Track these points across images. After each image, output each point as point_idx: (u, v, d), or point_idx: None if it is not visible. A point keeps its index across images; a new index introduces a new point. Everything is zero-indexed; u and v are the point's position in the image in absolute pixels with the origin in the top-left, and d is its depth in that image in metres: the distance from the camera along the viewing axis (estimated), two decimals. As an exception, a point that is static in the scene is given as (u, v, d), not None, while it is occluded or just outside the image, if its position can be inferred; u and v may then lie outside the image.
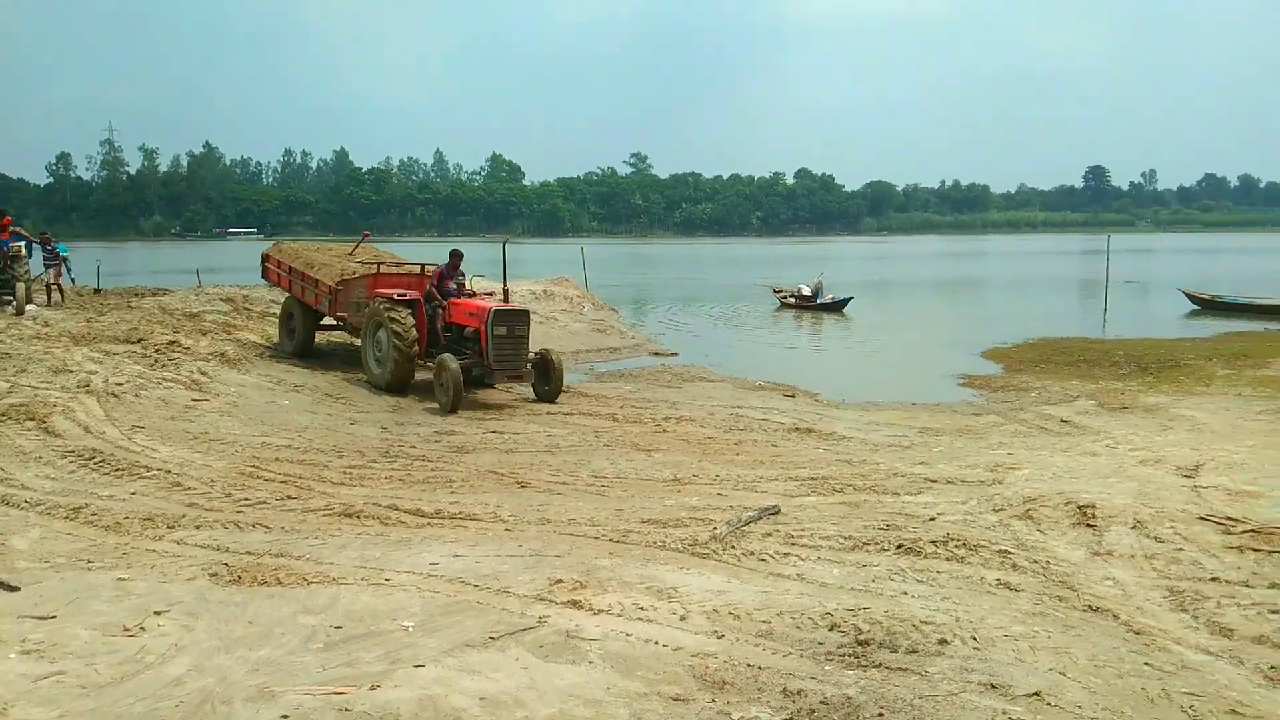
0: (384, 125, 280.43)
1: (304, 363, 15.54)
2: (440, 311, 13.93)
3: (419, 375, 14.05)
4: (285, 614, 5.39)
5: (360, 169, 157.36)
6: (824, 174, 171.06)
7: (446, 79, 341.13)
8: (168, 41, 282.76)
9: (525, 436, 11.14)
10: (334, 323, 16.27)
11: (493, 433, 11.37)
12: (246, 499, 8.12)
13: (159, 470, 8.90)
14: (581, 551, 6.56)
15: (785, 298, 32.54)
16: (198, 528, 7.29)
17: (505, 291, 14.84)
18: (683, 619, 5.25)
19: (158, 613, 5.42)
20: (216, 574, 6.11)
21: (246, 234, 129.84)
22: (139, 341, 14.44)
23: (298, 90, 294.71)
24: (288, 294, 16.85)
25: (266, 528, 7.28)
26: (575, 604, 5.46)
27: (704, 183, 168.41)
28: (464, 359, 13.01)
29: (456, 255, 14.57)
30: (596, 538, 6.96)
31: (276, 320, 17.60)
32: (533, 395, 13.98)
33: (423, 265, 15.75)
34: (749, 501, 7.96)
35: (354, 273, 15.41)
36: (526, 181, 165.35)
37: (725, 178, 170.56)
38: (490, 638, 4.97)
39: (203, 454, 9.66)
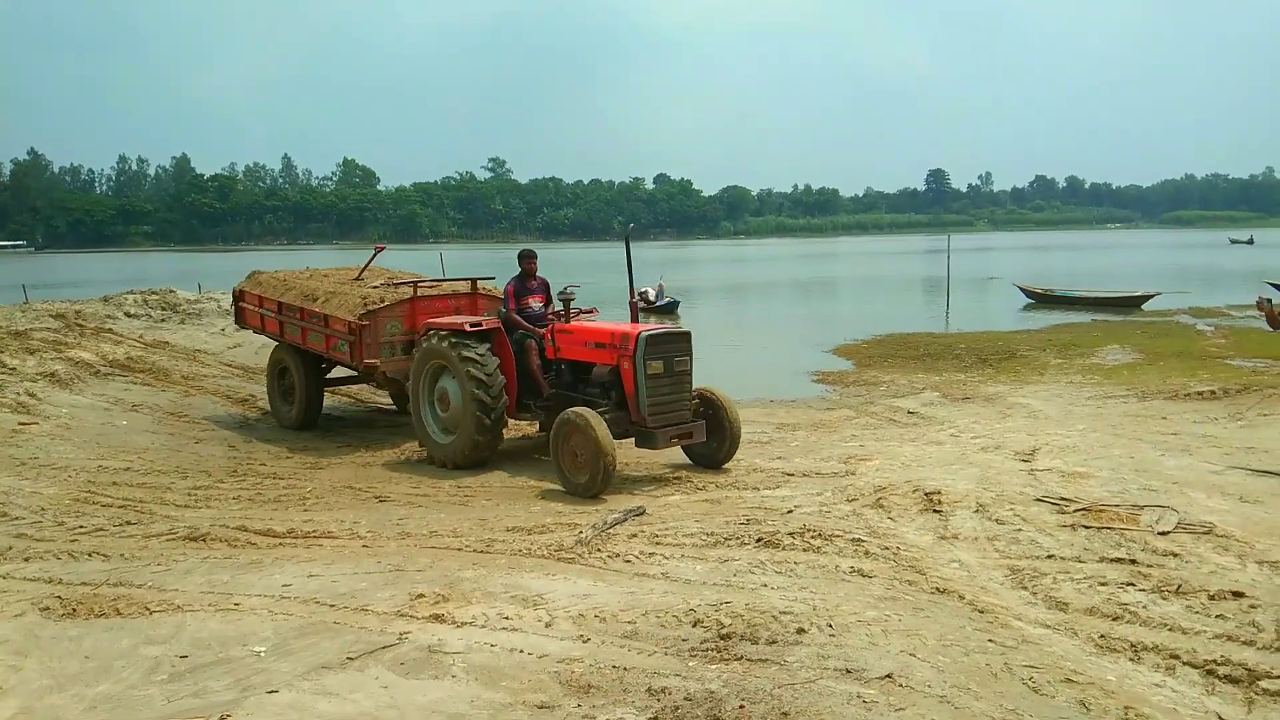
0: (227, 131, 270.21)
1: (142, 378, 14.51)
2: (531, 344, 9.80)
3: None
4: (126, 646, 5.09)
5: (203, 176, 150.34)
6: (682, 179, 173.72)
7: (293, 82, 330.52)
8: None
9: (384, 448, 10.87)
10: (350, 374, 12.27)
11: (348, 445, 11.05)
12: (81, 526, 7.64)
13: (-19, 500, 8.26)
14: (444, 564, 6.44)
15: (635, 301, 32.91)
16: (26, 560, 6.80)
17: (633, 306, 10.20)
18: (548, 626, 5.22)
19: (-20, 654, 5.03)
20: (48, 608, 5.71)
21: (15, 248, 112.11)
22: (-44, 363, 13.38)
23: (132, 95, 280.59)
24: (278, 342, 12.63)
25: (104, 556, 6.86)
26: (438, 618, 5.35)
27: (565, 188, 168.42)
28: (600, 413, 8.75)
29: (530, 259, 10.29)
30: (460, 549, 6.85)
31: (264, 378, 13.30)
32: (664, 452, 9.44)
33: (474, 280, 11.78)
34: (615, 503, 7.99)
35: (381, 300, 11.00)
36: (381, 187, 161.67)
37: (586, 183, 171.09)
38: (348, 658, 4.82)
39: (31, 480, 9.03)
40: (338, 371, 12.46)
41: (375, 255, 13.05)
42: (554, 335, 9.59)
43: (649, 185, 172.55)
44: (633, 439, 8.98)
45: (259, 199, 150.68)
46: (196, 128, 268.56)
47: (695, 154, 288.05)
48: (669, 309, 30.96)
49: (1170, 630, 5.08)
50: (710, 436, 9.24)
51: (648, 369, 8.74)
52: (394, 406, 13.39)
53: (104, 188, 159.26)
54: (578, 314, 10.01)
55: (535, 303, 10.20)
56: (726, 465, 9.37)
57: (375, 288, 11.61)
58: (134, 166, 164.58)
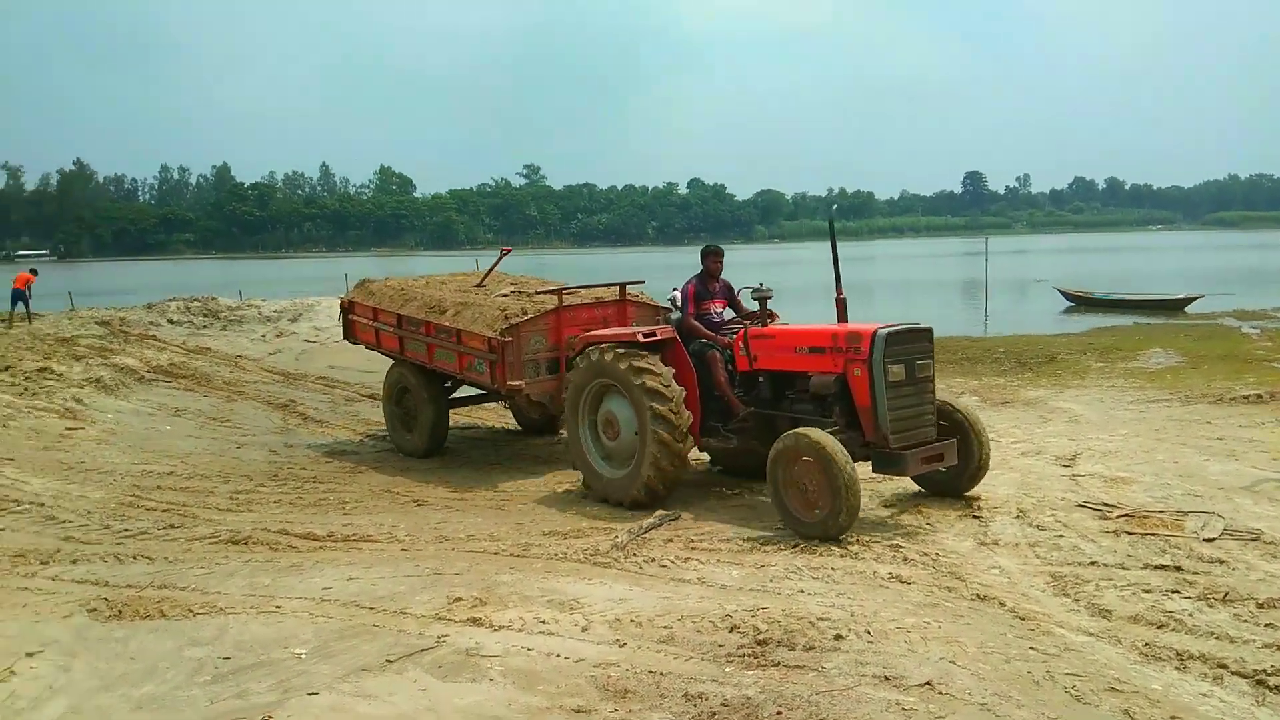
0: (267, 139, 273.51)
1: (185, 384, 14.76)
2: (716, 356, 8.26)
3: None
4: (170, 648, 5.17)
5: (243, 184, 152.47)
6: (716, 184, 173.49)
7: (330, 91, 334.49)
8: (31, 56, 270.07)
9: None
10: (478, 392, 11.00)
11: (387, 450, 11.15)
12: (127, 530, 7.77)
13: (31, 504, 8.44)
14: (481, 568, 6.48)
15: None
16: (74, 562, 6.94)
17: (840, 304, 7.84)
18: (584, 630, 5.23)
19: (30, 654, 5.13)
20: (95, 610, 5.82)
21: (38, 256, 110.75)
22: (6, 369, 13.71)
23: (174, 105, 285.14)
24: (396, 360, 11.17)
25: (149, 559, 6.97)
26: (475, 621, 5.38)
27: (599, 193, 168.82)
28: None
29: (715, 257, 8.78)
30: (497, 553, 6.89)
31: (380, 400, 11.78)
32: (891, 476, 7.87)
33: (622, 285, 10.27)
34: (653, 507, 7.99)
35: (523, 312, 9.57)
36: (418, 194, 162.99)
37: (620, 188, 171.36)
38: (387, 660, 4.87)
39: (79, 485, 9.21)
40: (463, 396, 11.42)
41: (501, 258, 11.82)
42: (748, 342, 8.01)
43: (682, 190, 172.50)
44: (870, 464, 7.34)
45: (298, 207, 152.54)
46: (236, 137, 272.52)
47: (729, 158, 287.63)
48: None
49: (1217, 639, 4.99)
50: (959, 455, 7.53)
51: (888, 375, 7.10)
52: (518, 427, 12.26)
53: (146, 196, 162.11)
54: (772, 317, 8.40)
55: (716, 308, 8.71)
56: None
57: (505, 296, 10.41)
58: (176, 176, 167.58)
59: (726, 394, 8.17)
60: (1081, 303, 31.52)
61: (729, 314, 8.86)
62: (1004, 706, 4.18)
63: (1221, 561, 6.05)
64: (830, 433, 7.03)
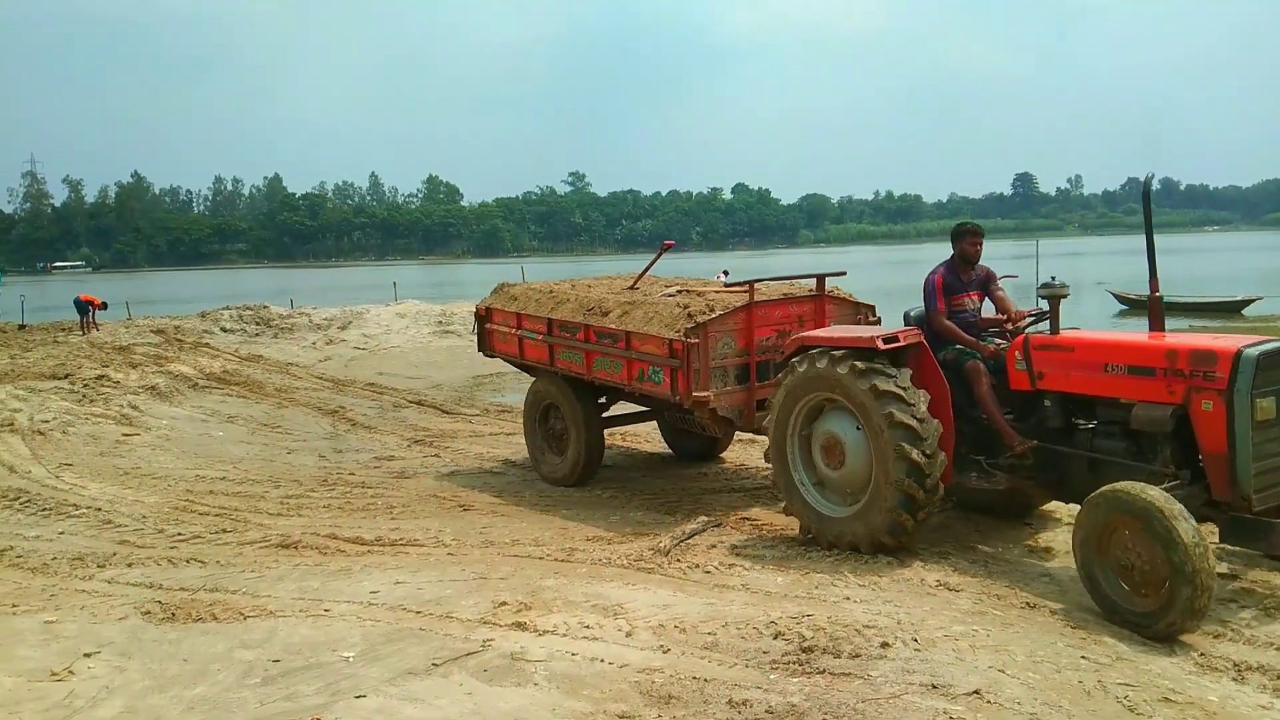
0: (317, 150, 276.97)
1: (237, 391, 15.03)
2: (980, 368, 6.52)
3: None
4: (221, 650, 5.26)
5: (294, 194, 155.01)
6: (760, 188, 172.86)
7: (379, 101, 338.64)
8: (90, 70, 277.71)
9: (467, 459, 11.03)
10: (634, 409, 9.71)
11: (433, 456, 11.25)
12: (180, 534, 7.92)
13: (88, 508, 8.64)
14: (526, 572, 6.51)
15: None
16: (129, 566, 7.09)
17: (1155, 303, 6.31)
18: (629, 635, 5.23)
19: (88, 655, 5.25)
20: (149, 612, 5.94)
21: (74, 269, 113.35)
22: (66, 377, 14.10)
23: (226, 117, 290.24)
24: (542, 373, 9.70)
25: (201, 562, 7.10)
26: (520, 626, 5.40)
27: (643, 200, 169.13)
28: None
29: (973, 238, 7.08)
30: (541, 558, 6.92)
31: (524, 419, 10.08)
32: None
33: (820, 277, 8.61)
34: (693, 514, 7.98)
35: (710, 310, 8.00)
36: (465, 202, 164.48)
37: (664, 194, 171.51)
38: (433, 664, 4.90)
39: (134, 490, 9.41)
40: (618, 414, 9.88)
41: (661, 253, 10.43)
42: (1029, 353, 6.26)
43: (727, 195, 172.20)
44: (1216, 529, 5.63)
45: (348, 216, 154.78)
46: (288, 148, 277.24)
47: (773, 162, 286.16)
48: None
49: (1276, 650, 4.86)
50: None
51: (1255, 411, 5.30)
52: (670, 452, 10.67)
53: (201, 208, 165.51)
54: (1038, 317, 6.74)
55: (971, 303, 7.00)
56: None
57: (671, 295, 8.99)
58: (229, 187, 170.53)
59: (996, 421, 6.39)
60: (1135, 306, 30.90)
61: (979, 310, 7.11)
62: (1054, 716, 4.11)
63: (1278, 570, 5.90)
64: (1167, 489, 5.26)
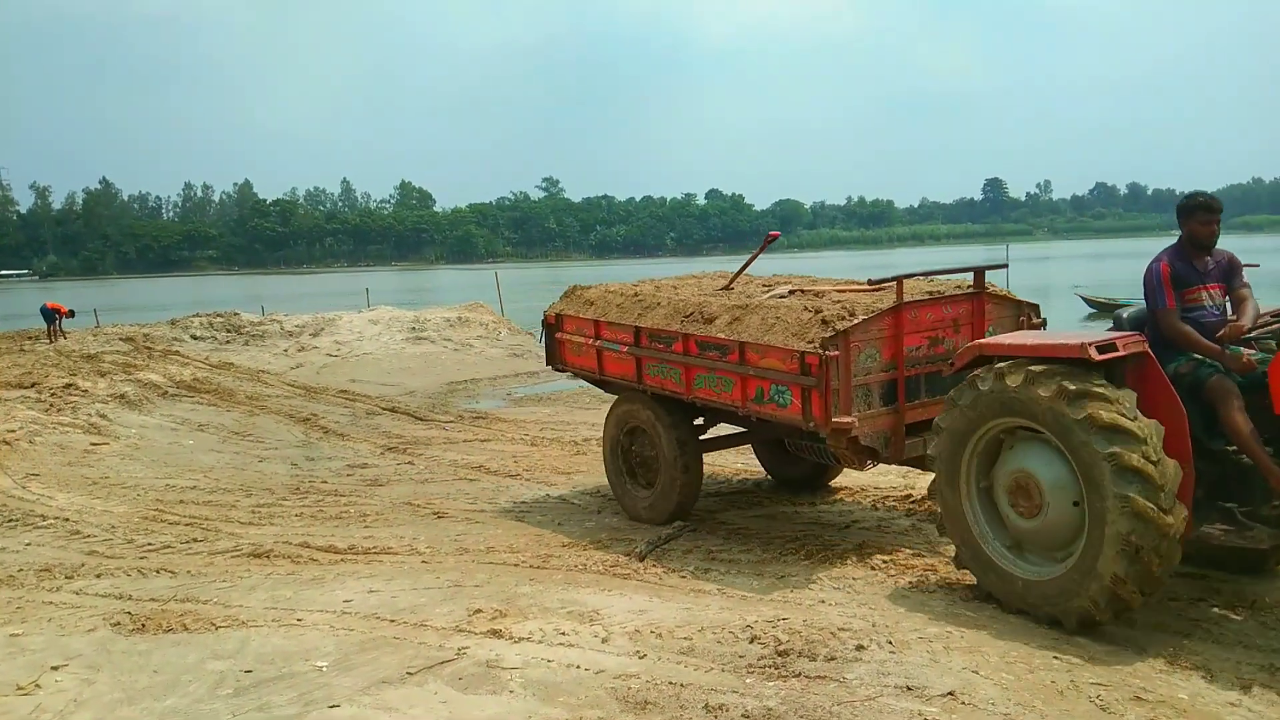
0: (288, 156, 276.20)
1: (208, 399, 14.88)
2: (1229, 386, 4.97)
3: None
4: (192, 661, 5.20)
5: (265, 201, 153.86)
6: (734, 194, 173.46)
7: (351, 107, 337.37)
8: (56, 77, 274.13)
9: (441, 466, 10.97)
10: (734, 432, 8.19)
11: (407, 463, 11.19)
12: (150, 544, 7.83)
13: (56, 519, 8.52)
14: (501, 579, 6.48)
15: None
16: (98, 576, 6.99)
17: None
18: (605, 641, 5.22)
19: (55, 668, 5.18)
20: (119, 623, 5.86)
21: (16, 275, 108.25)
22: (33, 386, 13.90)
23: (196, 124, 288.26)
24: (626, 391, 8.22)
25: (171, 573, 7.02)
26: (495, 633, 5.38)
27: (617, 205, 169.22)
28: None
29: (1207, 215, 5.32)
30: (516, 565, 6.89)
31: (603, 450, 8.51)
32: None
33: (979, 270, 7.00)
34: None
35: (848, 313, 6.42)
36: (438, 208, 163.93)
37: (638, 200, 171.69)
38: (407, 673, 4.87)
39: (103, 499, 9.29)
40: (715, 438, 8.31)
41: (766, 244, 8.64)
42: None
43: (700, 201, 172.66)
44: None
45: (319, 222, 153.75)
46: (259, 154, 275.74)
47: (747, 168, 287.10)
48: None
49: (1245, 648, 4.92)
50: None
51: None
52: (769, 478, 9.16)
53: (170, 214, 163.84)
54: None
55: (1210, 299, 5.43)
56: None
57: (783, 296, 7.45)
58: (199, 193, 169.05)
59: (1255, 456, 4.85)
60: (1104, 310, 31.25)
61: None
62: (1028, 716, 4.14)
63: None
64: None
